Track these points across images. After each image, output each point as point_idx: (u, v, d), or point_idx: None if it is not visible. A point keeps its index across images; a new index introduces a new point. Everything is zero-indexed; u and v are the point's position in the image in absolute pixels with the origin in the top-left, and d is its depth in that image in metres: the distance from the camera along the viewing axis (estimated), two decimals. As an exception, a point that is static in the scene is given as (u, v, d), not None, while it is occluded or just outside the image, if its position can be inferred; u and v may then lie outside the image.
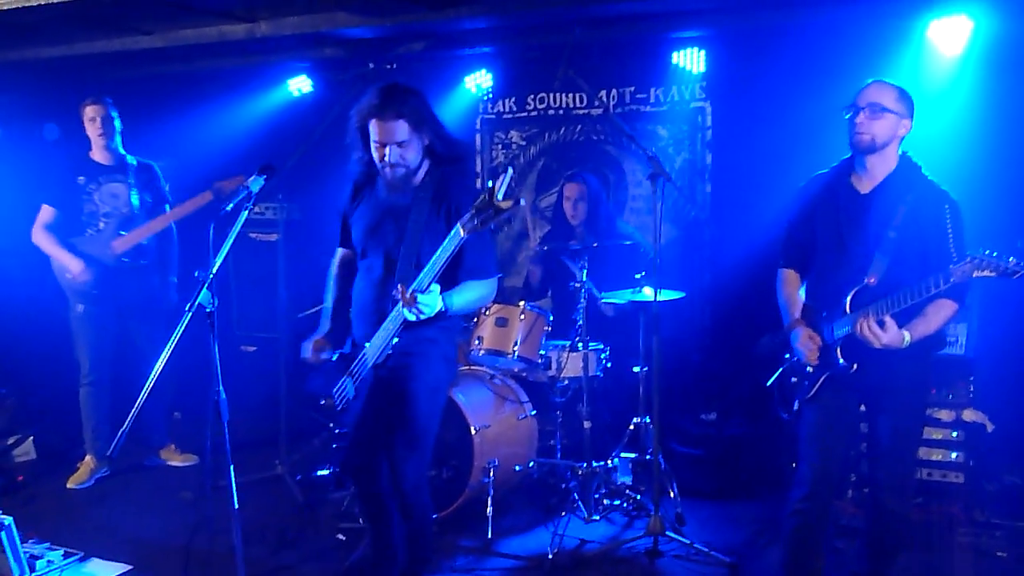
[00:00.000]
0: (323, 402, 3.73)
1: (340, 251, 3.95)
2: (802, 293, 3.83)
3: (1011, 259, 3.13)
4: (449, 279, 3.53)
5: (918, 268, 3.37)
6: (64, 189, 5.64)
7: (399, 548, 3.92)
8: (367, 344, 3.60)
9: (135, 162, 5.80)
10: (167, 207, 5.85)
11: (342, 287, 3.88)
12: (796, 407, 3.76)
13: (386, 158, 3.50)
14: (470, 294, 3.62)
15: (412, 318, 3.39)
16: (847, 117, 3.56)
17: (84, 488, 5.72)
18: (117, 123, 5.69)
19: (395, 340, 3.52)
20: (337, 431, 3.80)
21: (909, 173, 3.55)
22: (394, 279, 3.54)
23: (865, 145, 3.51)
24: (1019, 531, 4.71)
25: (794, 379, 3.80)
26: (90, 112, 5.62)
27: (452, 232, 3.34)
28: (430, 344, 3.67)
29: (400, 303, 3.38)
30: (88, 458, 5.83)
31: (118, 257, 5.62)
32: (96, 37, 6.25)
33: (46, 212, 5.65)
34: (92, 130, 5.63)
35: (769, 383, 3.93)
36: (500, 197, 3.22)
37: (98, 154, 5.70)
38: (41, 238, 5.63)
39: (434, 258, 3.38)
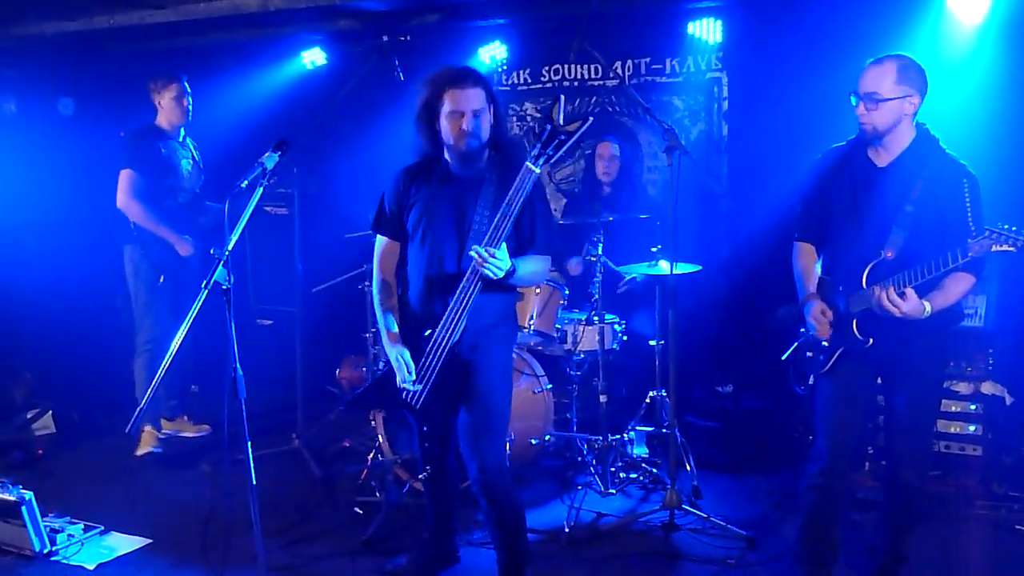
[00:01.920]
0: (410, 407, 3.62)
1: (385, 241, 3.79)
2: (818, 267, 3.79)
3: None
4: (512, 251, 3.52)
5: (936, 242, 3.33)
6: (148, 157, 5.60)
7: (456, 529, 4.20)
8: (440, 326, 3.48)
9: (190, 140, 5.88)
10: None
11: (397, 280, 3.80)
12: (811, 381, 3.74)
13: (465, 126, 3.44)
14: (532, 266, 3.60)
15: (490, 275, 3.35)
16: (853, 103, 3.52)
17: (150, 452, 5.75)
18: (192, 103, 5.78)
19: (466, 314, 3.45)
20: (425, 429, 3.74)
21: (926, 146, 3.49)
22: (463, 261, 3.51)
23: (869, 135, 3.50)
24: (1037, 504, 4.70)
25: (809, 353, 3.78)
26: (175, 91, 5.65)
27: (522, 171, 3.33)
28: (497, 327, 3.64)
29: (471, 269, 3.37)
30: (149, 428, 5.82)
31: (206, 235, 5.73)
32: (110, 11, 6.25)
33: (131, 178, 5.56)
34: (177, 108, 5.67)
35: (784, 357, 3.90)
36: (562, 121, 3.22)
37: (168, 129, 5.73)
38: (134, 207, 5.56)
39: (504, 207, 3.35)
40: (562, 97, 3.35)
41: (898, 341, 3.48)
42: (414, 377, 3.51)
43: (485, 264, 3.32)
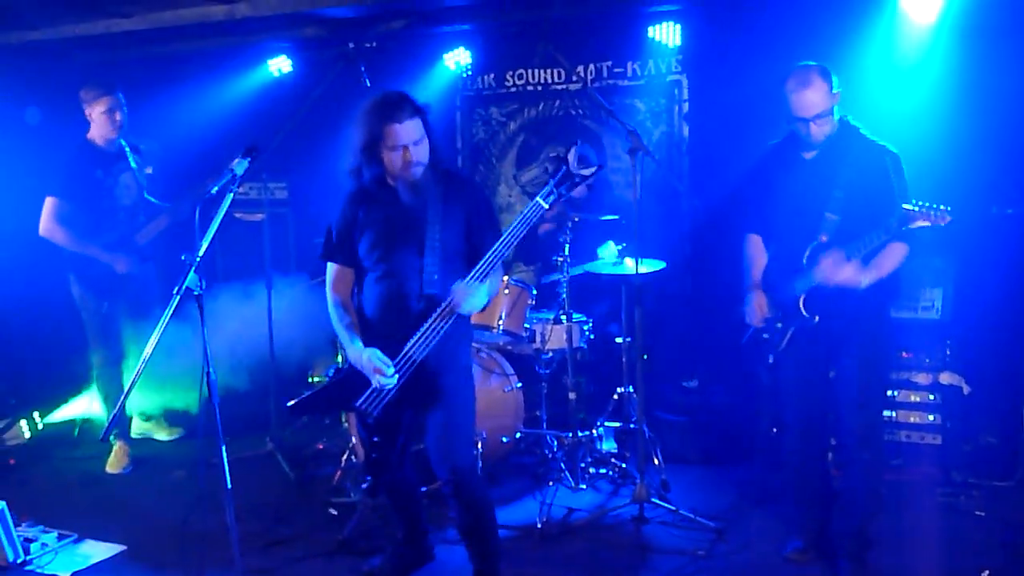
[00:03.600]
0: (367, 413, 3.64)
1: (336, 268, 3.80)
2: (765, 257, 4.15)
3: (941, 207, 3.51)
4: (462, 264, 3.62)
5: (868, 220, 3.68)
6: (81, 184, 5.46)
7: (428, 529, 4.25)
8: (407, 345, 3.53)
9: (126, 144, 5.70)
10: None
11: (352, 302, 3.81)
12: (771, 360, 4.06)
13: (411, 158, 3.51)
14: (496, 283, 3.71)
15: (467, 311, 3.50)
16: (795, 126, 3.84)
17: (120, 473, 5.69)
18: (126, 115, 5.62)
19: (436, 340, 3.52)
20: (376, 439, 3.76)
21: (848, 135, 3.82)
22: (422, 278, 3.58)
23: (819, 143, 3.83)
24: (996, 490, 4.84)
25: (765, 335, 4.10)
26: (106, 104, 5.48)
27: (531, 205, 3.45)
28: (458, 329, 3.67)
29: (448, 304, 3.46)
30: (120, 443, 5.78)
31: (141, 250, 5.63)
32: (77, 19, 6.25)
33: (56, 205, 5.43)
34: (108, 122, 5.50)
35: (744, 341, 4.19)
36: (576, 166, 3.40)
37: (101, 142, 5.58)
38: (59, 234, 5.43)
39: (501, 243, 3.46)
40: (579, 141, 3.56)
41: (841, 317, 3.83)
42: (392, 371, 3.52)
43: (464, 304, 3.45)
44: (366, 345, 3.59)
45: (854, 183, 3.74)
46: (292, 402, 3.63)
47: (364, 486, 3.93)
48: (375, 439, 3.71)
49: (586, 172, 3.46)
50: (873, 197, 3.71)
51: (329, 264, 3.81)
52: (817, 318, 3.86)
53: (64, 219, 5.43)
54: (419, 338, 3.51)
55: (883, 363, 4.08)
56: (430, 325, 3.50)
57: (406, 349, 3.52)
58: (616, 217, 5.49)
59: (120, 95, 5.55)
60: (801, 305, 3.89)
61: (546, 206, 3.46)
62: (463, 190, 3.73)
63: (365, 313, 3.73)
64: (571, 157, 3.45)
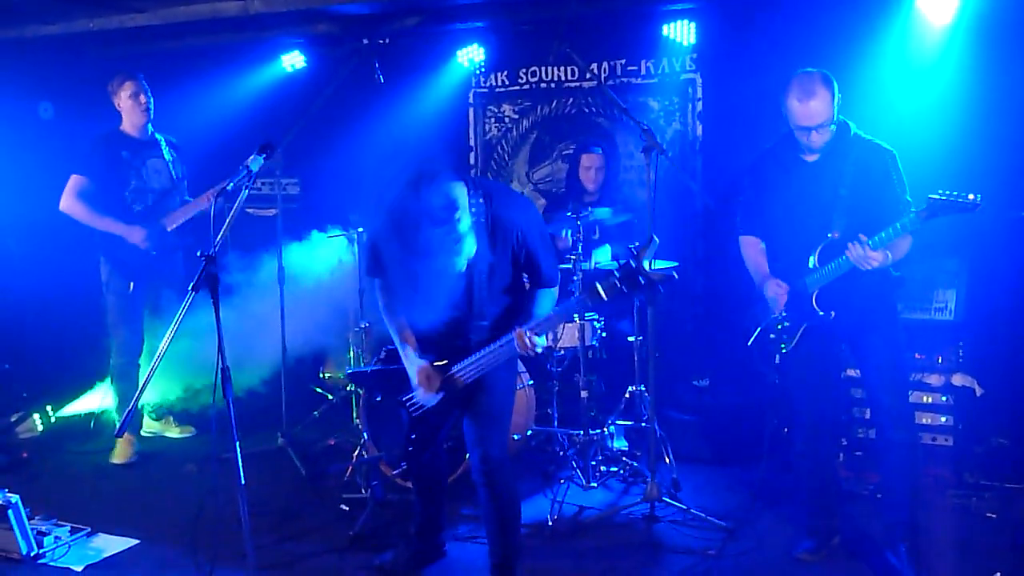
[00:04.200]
0: (411, 407, 3.73)
1: (383, 283, 3.77)
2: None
3: (970, 195, 3.49)
4: (518, 283, 3.67)
5: (873, 215, 3.77)
6: (105, 162, 5.57)
7: (444, 525, 4.28)
8: (456, 367, 3.58)
9: (162, 138, 5.82)
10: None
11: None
12: (777, 360, 4.10)
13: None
14: (549, 305, 3.69)
15: (524, 355, 3.50)
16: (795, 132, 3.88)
17: (123, 464, 5.72)
18: (152, 100, 5.69)
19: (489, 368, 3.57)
20: (414, 436, 3.82)
21: (845, 135, 3.87)
22: (474, 304, 3.57)
23: (816, 150, 3.89)
24: (1007, 492, 4.82)
25: (772, 335, 4.13)
26: (131, 88, 5.59)
27: (589, 291, 3.34)
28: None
29: (513, 340, 3.45)
30: (127, 435, 5.76)
31: (170, 235, 5.69)
32: (91, 14, 6.26)
33: (78, 181, 5.54)
34: (135, 107, 5.60)
35: (749, 342, 4.22)
36: (648, 267, 3.42)
37: (133, 130, 5.67)
38: (77, 207, 5.53)
39: (561, 311, 3.49)
40: (656, 239, 3.61)
41: (855, 311, 3.91)
42: (438, 387, 3.59)
43: (525, 349, 3.44)
44: (419, 349, 3.66)
45: (858, 183, 3.82)
46: (352, 368, 3.68)
47: (397, 471, 3.97)
48: (417, 430, 3.76)
49: (656, 277, 3.32)
50: (877, 194, 3.82)
51: (376, 280, 3.78)
52: (833, 314, 3.91)
53: (85, 195, 5.53)
54: (470, 364, 3.56)
55: (904, 346, 4.10)
56: (482, 359, 3.54)
57: (455, 371, 3.58)
58: (629, 216, 5.48)
59: (143, 79, 5.64)
60: (814, 302, 3.94)
61: (606, 299, 3.30)
62: (511, 209, 3.58)
63: (416, 328, 3.73)
64: (644, 254, 3.24)
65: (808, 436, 4.12)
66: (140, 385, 3.37)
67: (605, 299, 3.31)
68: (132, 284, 5.65)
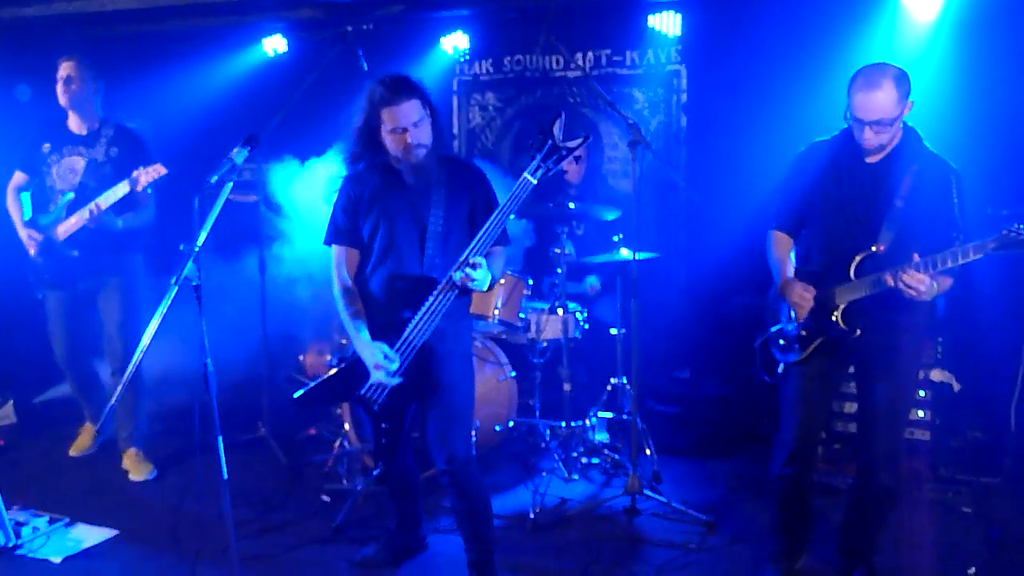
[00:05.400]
0: (371, 402, 3.65)
1: (342, 251, 3.75)
2: (792, 256, 3.84)
3: None
4: (463, 250, 3.56)
5: (923, 237, 3.41)
6: (31, 156, 5.17)
7: (423, 518, 4.27)
8: (408, 329, 3.52)
9: (112, 131, 5.15)
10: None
11: (358, 288, 3.77)
12: (780, 370, 3.83)
13: (411, 140, 3.48)
14: (501, 262, 3.73)
15: (474, 288, 3.45)
16: (851, 124, 3.50)
17: (84, 454, 5.60)
18: (92, 84, 5.10)
19: (438, 319, 3.51)
20: (383, 425, 3.78)
21: (913, 143, 3.54)
22: (423, 262, 3.59)
23: (872, 150, 3.51)
24: (982, 487, 4.87)
25: (782, 342, 3.81)
26: (61, 71, 5.07)
27: (520, 182, 3.40)
28: (460, 320, 3.71)
29: (449, 280, 3.43)
30: (88, 425, 5.67)
31: (64, 244, 5.07)
32: (70, -4, 6.19)
33: (17, 177, 5.25)
34: (62, 93, 5.06)
35: (757, 344, 3.95)
36: (561, 138, 3.33)
37: (72, 120, 5.15)
38: (11, 203, 5.24)
39: (492, 221, 3.44)
40: (563, 113, 3.43)
41: (885, 333, 3.56)
42: (395, 366, 3.52)
43: (470, 281, 3.40)
44: (370, 329, 3.60)
45: (916, 196, 3.45)
46: (298, 394, 3.63)
47: (375, 472, 3.94)
48: (383, 426, 3.72)
49: (572, 144, 3.37)
50: (933, 214, 3.44)
51: (334, 247, 3.77)
52: (859, 332, 3.54)
53: (21, 191, 5.26)
54: (419, 320, 3.51)
55: (916, 381, 3.91)
56: (430, 305, 3.49)
57: (406, 333, 3.52)
58: (619, 213, 5.46)
59: (83, 62, 5.10)
60: (839, 318, 3.56)
61: (534, 181, 3.39)
62: (467, 176, 3.72)
63: (367, 296, 3.73)
64: (556, 130, 3.37)
65: (794, 457, 3.75)
66: (124, 380, 3.34)
67: (534, 182, 3.40)
68: (41, 295, 5.27)
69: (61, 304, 5.29)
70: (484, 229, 3.45)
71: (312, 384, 3.64)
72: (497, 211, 3.46)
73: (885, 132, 3.42)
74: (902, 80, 3.38)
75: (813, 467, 3.89)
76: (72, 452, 5.61)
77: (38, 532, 4.46)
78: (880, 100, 3.35)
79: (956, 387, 5.00)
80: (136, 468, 5.31)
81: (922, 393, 5.01)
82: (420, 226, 3.62)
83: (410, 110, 3.49)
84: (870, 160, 3.56)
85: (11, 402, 6.27)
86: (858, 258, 3.52)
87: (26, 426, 6.22)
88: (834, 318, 3.57)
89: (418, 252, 3.62)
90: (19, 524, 4.43)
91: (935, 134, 4.90)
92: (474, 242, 3.44)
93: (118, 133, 5.17)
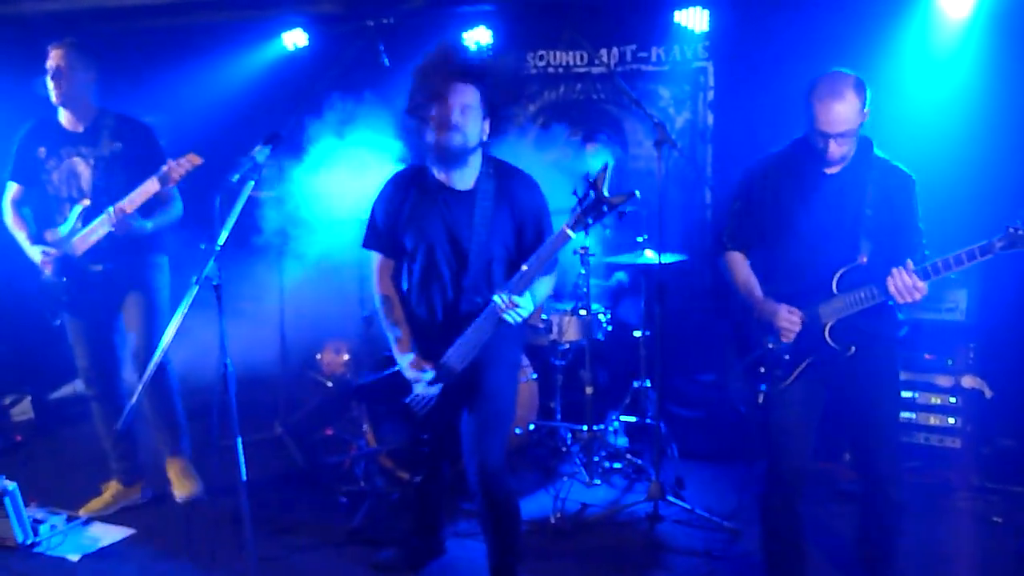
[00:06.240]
0: (415, 408, 3.62)
1: (380, 259, 3.67)
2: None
3: None
4: (506, 270, 3.51)
5: (891, 244, 3.37)
6: (25, 163, 4.60)
7: (443, 523, 4.22)
8: (447, 354, 3.47)
9: (113, 122, 4.58)
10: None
11: (398, 296, 3.68)
12: (761, 400, 3.59)
13: (452, 118, 3.32)
14: (546, 289, 3.60)
15: (510, 320, 3.35)
16: (812, 137, 3.39)
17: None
18: (84, 73, 4.48)
19: (478, 348, 3.45)
20: (425, 436, 3.74)
21: (867, 151, 3.45)
22: (461, 284, 3.48)
23: (834, 162, 3.41)
24: (1015, 496, 4.78)
25: (763, 369, 3.58)
26: (48, 61, 4.44)
27: (557, 233, 3.26)
28: (501, 331, 3.51)
29: (495, 307, 3.33)
30: (113, 481, 4.87)
31: (83, 259, 4.53)
32: (90, -9, 6.16)
33: (12, 189, 4.68)
34: (49, 86, 4.44)
35: (744, 366, 3.68)
36: (607, 193, 3.17)
37: (65, 117, 4.54)
38: (10, 218, 4.66)
39: (533, 261, 3.30)
40: (609, 162, 3.26)
41: (876, 348, 3.47)
42: (431, 376, 3.48)
43: (507, 312, 3.32)
44: (414, 336, 3.57)
45: (880, 204, 3.37)
46: (359, 383, 3.58)
47: (416, 480, 3.89)
48: (424, 436, 3.68)
49: (616, 201, 3.17)
50: (898, 220, 3.39)
51: (373, 254, 3.69)
52: (853, 349, 3.40)
53: (19, 204, 4.68)
54: (457, 348, 3.45)
55: (899, 388, 3.78)
56: (469, 336, 3.42)
57: (445, 359, 3.47)
58: (637, 195, 5.36)
59: (75, 49, 4.48)
60: (827, 335, 3.41)
61: (573, 236, 3.23)
62: (517, 187, 3.53)
63: (408, 308, 3.64)
64: (601, 183, 3.16)
65: (786, 490, 3.59)
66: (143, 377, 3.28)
67: (572, 236, 3.24)
68: (59, 321, 4.68)
69: (84, 331, 4.72)
70: (521, 272, 3.31)
71: (372, 377, 3.61)
72: (533, 257, 3.30)
73: (848, 143, 3.33)
74: (862, 88, 3.32)
75: (800, 498, 3.64)
76: (82, 512, 4.68)
77: (56, 530, 4.45)
78: (843, 111, 3.27)
79: (988, 394, 4.90)
80: (180, 481, 4.83)
81: (953, 400, 4.93)
82: (461, 252, 3.48)
83: (465, 92, 3.35)
84: (830, 172, 3.45)
85: (28, 398, 6.25)
86: (840, 272, 3.40)
87: (43, 423, 6.19)
88: (825, 337, 3.43)
89: (455, 270, 3.51)
90: (37, 521, 4.42)
91: (967, 130, 4.87)
92: (515, 277, 3.32)
93: (119, 124, 4.59)
